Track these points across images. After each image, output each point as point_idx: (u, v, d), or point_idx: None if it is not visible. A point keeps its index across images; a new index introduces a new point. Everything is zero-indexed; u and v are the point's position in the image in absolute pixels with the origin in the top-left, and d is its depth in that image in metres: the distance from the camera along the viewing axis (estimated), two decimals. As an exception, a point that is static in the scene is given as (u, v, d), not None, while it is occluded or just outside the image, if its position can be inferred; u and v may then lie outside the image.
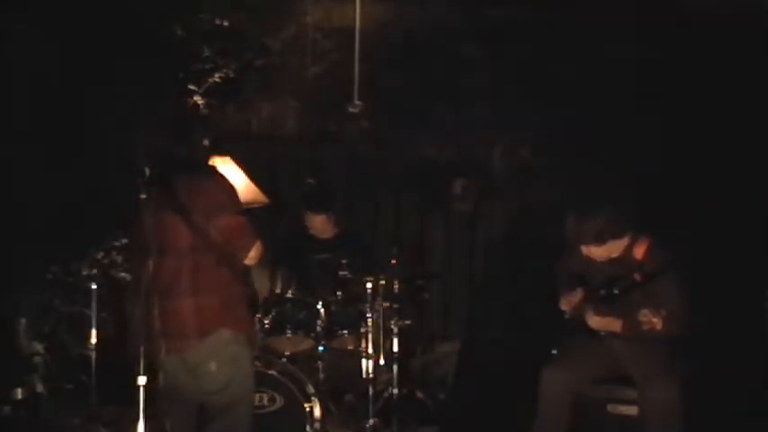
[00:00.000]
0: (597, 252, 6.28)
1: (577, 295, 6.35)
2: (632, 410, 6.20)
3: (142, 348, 4.91)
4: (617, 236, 6.24)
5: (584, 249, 6.30)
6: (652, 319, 5.88)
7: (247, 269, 5.62)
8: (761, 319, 6.71)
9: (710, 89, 7.92)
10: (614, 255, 6.30)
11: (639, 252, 6.26)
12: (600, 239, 6.21)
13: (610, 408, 6.30)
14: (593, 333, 6.35)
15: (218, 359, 5.39)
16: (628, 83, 8.20)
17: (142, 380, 4.88)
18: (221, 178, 5.45)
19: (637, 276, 6.12)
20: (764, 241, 7.46)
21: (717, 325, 7.16)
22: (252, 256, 5.36)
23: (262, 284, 7.16)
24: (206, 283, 5.33)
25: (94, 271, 7.95)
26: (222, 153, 7.09)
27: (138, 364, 4.89)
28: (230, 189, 5.41)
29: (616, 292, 6.16)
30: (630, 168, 8.10)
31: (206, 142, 5.59)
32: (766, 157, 7.73)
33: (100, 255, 7.98)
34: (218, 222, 5.28)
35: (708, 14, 7.88)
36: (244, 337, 5.48)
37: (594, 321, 6.30)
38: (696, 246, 7.02)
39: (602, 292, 6.24)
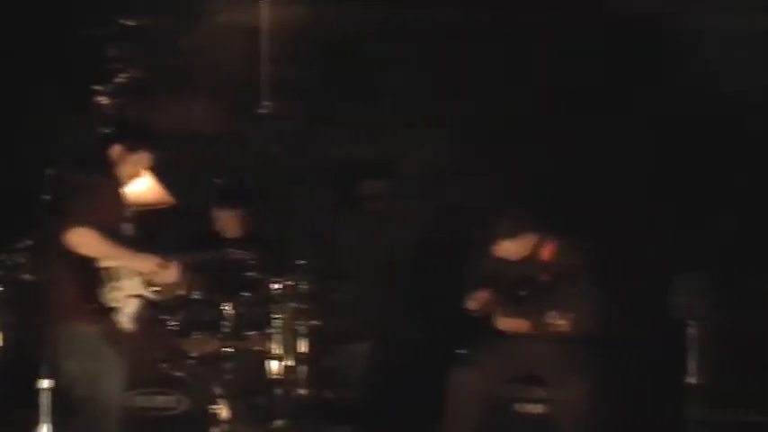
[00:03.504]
0: (511, 248, 6.36)
1: (484, 295, 6.38)
2: (539, 409, 6.26)
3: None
4: (528, 231, 6.33)
5: (500, 249, 6.36)
6: (558, 321, 5.94)
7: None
8: (670, 317, 6.79)
9: (629, 88, 8.00)
10: (524, 252, 6.38)
11: (546, 253, 6.33)
12: (513, 235, 6.29)
13: (517, 407, 6.35)
14: (503, 333, 6.40)
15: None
16: (539, 82, 8.25)
17: (45, 383, 4.82)
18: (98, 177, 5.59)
19: (544, 277, 6.18)
20: (677, 243, 7.56)
21: (628, 324, 7.23)
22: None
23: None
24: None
25: (-1, 273, 7.83)
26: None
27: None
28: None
29: (523, 293, 6.22)
30: (540, 169, 8.14)
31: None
32: (674, 156, 7.83)
33: (3, 256, 7.86)
34: None
35: (631, 15, 7.95)
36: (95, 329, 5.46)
37: (502, 322, 6.34)
38: (606, 246, 7.09)
39: (510, 292, 6.29)
